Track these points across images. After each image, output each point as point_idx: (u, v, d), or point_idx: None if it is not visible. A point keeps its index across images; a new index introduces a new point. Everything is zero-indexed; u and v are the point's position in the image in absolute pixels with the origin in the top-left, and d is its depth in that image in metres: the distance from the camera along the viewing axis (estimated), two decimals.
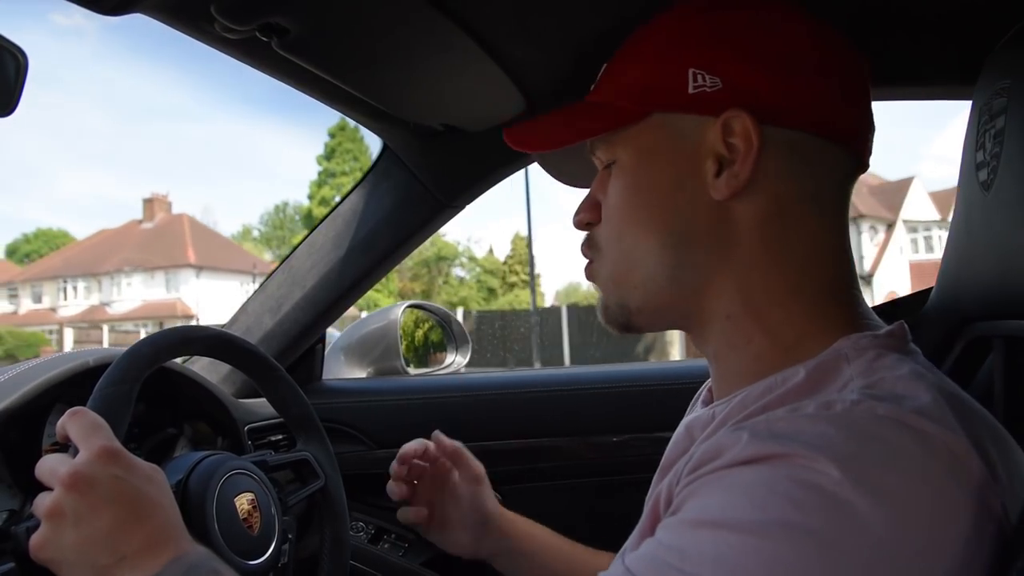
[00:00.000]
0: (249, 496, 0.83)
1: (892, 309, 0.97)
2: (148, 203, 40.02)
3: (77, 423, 0.69)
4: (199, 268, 35.90)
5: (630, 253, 0.65)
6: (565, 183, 0.83)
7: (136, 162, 67.68)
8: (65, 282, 38.03)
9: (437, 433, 1.04)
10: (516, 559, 1.02)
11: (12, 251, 48.01)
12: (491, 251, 40.29)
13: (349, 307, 1.35)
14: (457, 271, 40.39)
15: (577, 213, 0.71)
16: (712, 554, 0.46)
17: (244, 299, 1.36)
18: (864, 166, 0.65)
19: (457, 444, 1.04)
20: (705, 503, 0.50)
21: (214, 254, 37.59)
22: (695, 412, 0.70)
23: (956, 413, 0.50)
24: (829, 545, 0.44)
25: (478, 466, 1.05)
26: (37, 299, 39.00)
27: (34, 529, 0.65)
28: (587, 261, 0.71)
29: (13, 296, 40.23)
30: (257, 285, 1.46)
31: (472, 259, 40.08)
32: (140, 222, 40.29)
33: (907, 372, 0.53)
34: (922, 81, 0.98)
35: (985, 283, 0.73)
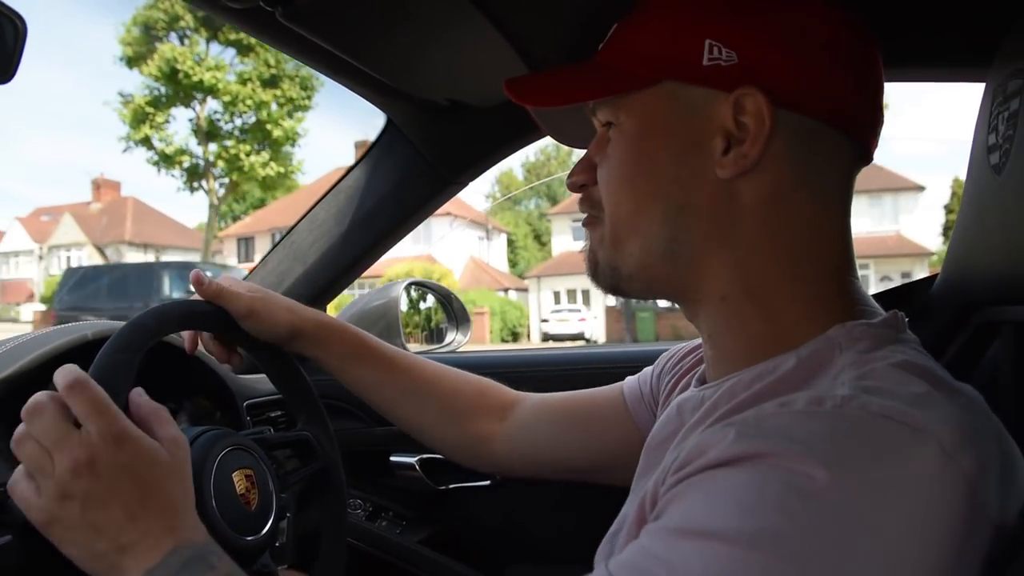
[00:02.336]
0: (247, 472, 0.82)
1: (898, 294, 0.96)
2: None
3: (83, 401, 0.65)
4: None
5: (629, 219, 0.64)
6: (562, 142, 0.82)
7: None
8: None
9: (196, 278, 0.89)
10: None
11: None
12: None
13: (350, 284, 1.34)
14: None
15: (571, 175, 0.70)
16: (699, 566, 0.45)
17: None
18: (869, 158, 0.64)
19: (218, 286, 0.89)
20: (689, 508, 0.49)
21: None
22: (688, 391, 0.69)
23: (951, 407, 0.49)
24: (820, 551, 0.43)
25: (244, 305, 0.89)
26: None
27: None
28: (586, 217, 0.70)
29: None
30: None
31: None
32: None
33: (901, 363, 0.52)
34: (935, 63, 0.96)
35: (994, 268, 0.72)
